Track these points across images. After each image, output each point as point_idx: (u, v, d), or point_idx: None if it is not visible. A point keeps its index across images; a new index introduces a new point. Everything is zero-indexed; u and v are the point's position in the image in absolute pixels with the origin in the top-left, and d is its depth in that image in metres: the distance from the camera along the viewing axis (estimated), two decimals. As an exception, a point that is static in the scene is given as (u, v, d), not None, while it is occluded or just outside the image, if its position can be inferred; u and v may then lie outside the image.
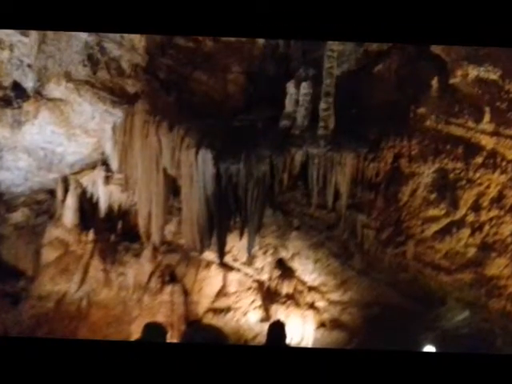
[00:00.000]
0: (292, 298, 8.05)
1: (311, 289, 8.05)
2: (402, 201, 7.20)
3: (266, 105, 7.82)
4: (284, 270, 8.11)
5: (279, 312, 7.91)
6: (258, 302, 8.04)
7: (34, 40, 7.05)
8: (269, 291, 8.11)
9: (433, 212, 7.08)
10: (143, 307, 7.84)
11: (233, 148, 7.38)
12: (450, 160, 6.96)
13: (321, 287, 8.01)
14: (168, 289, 7.95)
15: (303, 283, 8.07)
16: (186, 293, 8.06)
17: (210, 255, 7.98)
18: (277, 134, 7.50)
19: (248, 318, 8.00)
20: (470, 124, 6.90)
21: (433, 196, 7.06)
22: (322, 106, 7.29)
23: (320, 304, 8.02)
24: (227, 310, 8.05)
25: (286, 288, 8.06)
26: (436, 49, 7.13)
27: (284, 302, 8.02)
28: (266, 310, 8.01)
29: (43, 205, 8.44)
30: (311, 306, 8.03)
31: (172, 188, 7.81)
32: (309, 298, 8.05)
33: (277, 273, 8.09)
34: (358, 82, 7.75)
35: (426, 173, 7.06)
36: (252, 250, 7.76)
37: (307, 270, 7.98)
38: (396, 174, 7.22)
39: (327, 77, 7.32)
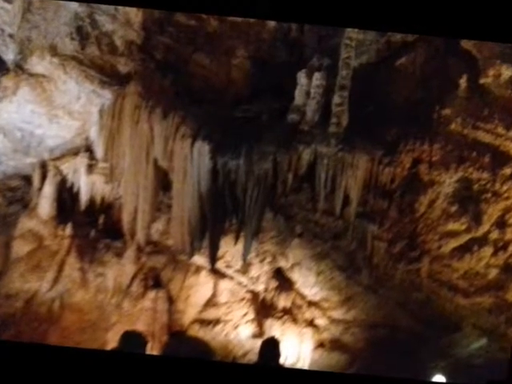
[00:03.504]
0: (289, 313, 8.06)
1: (311, 304, 8.06)
2: (418, 212, 7.21)
3: (273, 95, 7.83)
4: (282, 281, 8.12)
5: (274, 328, 7.92)
6: (251, 316, 8.05)
7: (18, 7, 7.06)
8: (264, 304, 8.12)
9: (452, 226, 7.09)
10: (122, 313, 7.85)
11: (233, 141, 7.39)
12: (475, 169, 6.97)
13: (322, 303, 8.02)
14: (151, 294, 7.95)
15: (303, 297, 8.08)
16: (170, 300, 8.07)
17: (200, 259, 7.99)
18: (283, 128, 7.51)
19: (239, 333, 8.01)
20: (500, 130, 6.92)
21: (453, 208, 7.07)
22: (336, 100, 7.30)
23: (320, 321, 8.04)
24: (216, 322, 8.07)
25: (283, 301, 8.07)
26: (467, 44, 7.14)
27: (280, 317, 8.03)
28: (260, 324, 8.03)
29: (17, 192, 8.44)
30: (310, 323, 8.05)
31: (162, 182, 7.81)
32: (308, 314, 8.06)
33: (274, 284, 8.10)
34: (378, 76, 7.76)
35: (448, 182, 7.07)
36: (248, 256, 7.77)
37: (308, 283, 7.99)
38: (414, 181, 7.23)
39: (343, 68, 7.33)
